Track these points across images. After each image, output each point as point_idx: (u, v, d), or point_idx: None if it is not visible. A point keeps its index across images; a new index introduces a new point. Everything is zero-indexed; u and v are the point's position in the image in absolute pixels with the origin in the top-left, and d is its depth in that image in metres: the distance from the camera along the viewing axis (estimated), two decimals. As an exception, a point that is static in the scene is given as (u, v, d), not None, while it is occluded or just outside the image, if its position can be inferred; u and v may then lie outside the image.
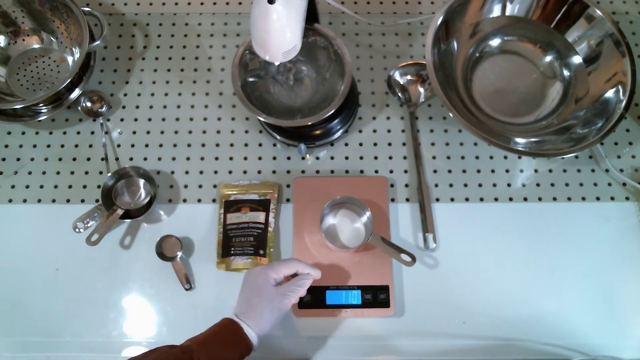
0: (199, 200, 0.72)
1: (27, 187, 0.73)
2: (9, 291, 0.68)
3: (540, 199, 0.72)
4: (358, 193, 0.69)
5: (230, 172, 0.74)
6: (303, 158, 0.74)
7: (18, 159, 0.75)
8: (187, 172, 0.74)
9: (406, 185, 0.73)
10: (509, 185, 0.73)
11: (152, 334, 0.66)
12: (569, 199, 0.72)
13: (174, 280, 0.67)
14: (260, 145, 0.75)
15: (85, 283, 0.69)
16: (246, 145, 0.75)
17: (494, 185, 0.73)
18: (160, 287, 0.68)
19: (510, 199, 0.72)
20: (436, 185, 0.73)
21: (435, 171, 0.73)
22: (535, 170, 0.73)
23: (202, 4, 0.83)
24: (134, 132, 0.76)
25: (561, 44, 0.75)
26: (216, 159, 0.75)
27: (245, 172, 0.74)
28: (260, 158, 0.75)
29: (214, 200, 0.72)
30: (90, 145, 0.75)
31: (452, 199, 0.72)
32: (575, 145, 0.66)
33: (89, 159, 0.75)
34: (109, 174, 0.70)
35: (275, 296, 0.58)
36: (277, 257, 0.69)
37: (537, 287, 0.68)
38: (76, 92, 0.74)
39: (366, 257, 0.67)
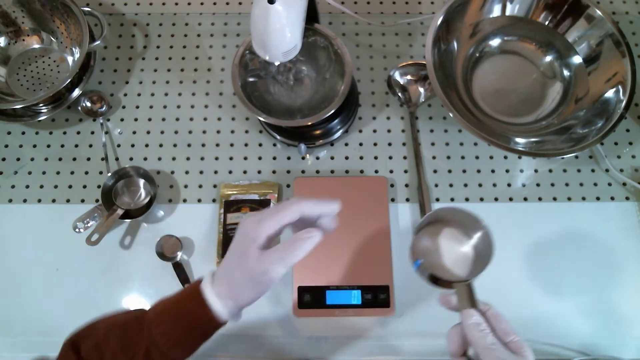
0: (199, 200, 0.72)
1: (27, 187, 0.73)
2: (9, 291, 0.68)
3: (540, 199, 0.72)
4: (358, 193, 0.69)
5: (230, 172, 0.74)
6: (303, 158, 0.74)
7: (18, 159, 0.75)
8: (187, 172, 0.74)
9: (406, 185, 0.73)
10: (509, 185, 0.73)
11: (152, 334, 0.66)
12: (569, 199, 0.72)
13: (174, 280, 0.67)
14: (260, 145, 0.75)
15: (85, 283, 0.69)
16: (246, 145, 0.75)
17: (494, 185, 0.73)
18: (160, 287, 0.68)
19: (510, 199, 0.72)
20: (436, 185, 0.73)
21: (435, 171, 0.73)
22: (535, 170, 0.73)
23: (202, 4, 0.83)
24: (134, 132, 0.76)
25: (561, 44, 0.75)
26: (216, 159, 0.75)
27: (245, 172, 0.74)
28: (260, 158, 0.75)
29: (214, 200, 0.72)
30: (90, 145, 0.75)
31: (452, 199, 0.72)
32: (575, 145, 0.66)
33: (89, 159, 0.75)
34: (109, 174, 0.70)
35: (258, 265, 0.44)
36: (277, 257, 0.69)
37: (537, 287, 0.67)
38: (76, 92, 0.73)
39: (366, 257, 0.67)
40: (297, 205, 0.45)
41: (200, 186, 0.73)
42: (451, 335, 0.47)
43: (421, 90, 0.77)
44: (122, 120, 0.77)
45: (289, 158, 0.74)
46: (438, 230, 0.51)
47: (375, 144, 0.75)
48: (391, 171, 0.73)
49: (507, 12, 0.75)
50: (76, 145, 0.75)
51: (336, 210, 0.47)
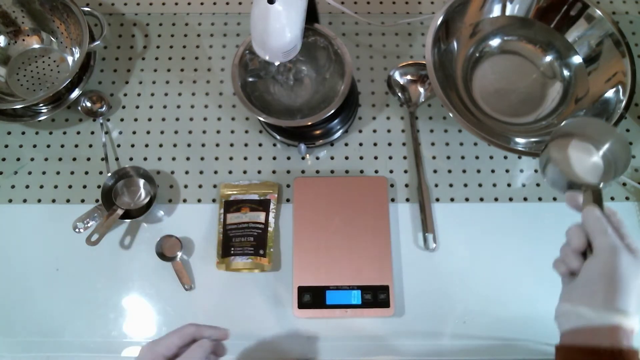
0: (199, 200, 0.72)
1: (27, 187, 0.73)
2: (9, 291, 0.68)
3: (540, 199, 0.72)
4: (358, 193, 0.69)
5: (230, 172, 0.74)
6: (303, 158, 0.74)
7: (18, 159, 0.75)
8: (187, 172, 0.74)
9: (406, 185, 0.73)
10: (509, 185, 0.73)
11: (152, 334, 0.66)
12: (569, 199, 0.72)
13: (174, 280, 0.67)
14: (260, 145, 0.75)
15: (85, 283, 0.69)
16: (246, 145, 0.75)
17: (494, 185, 0.73)
18: (160, 287, 0.68)
19: (510, 199, 0.72)
20: (436, 185, 0.73)
21: (435, 171, 0.73)
22: (535, 170, 0.73)
23: (202, 4, 0.83)
24: (134, 132, 0.76)
25: (561, 44, 0.75)
26: (216, 159, 0.75)
27: (245, 172, 0.74)
28: (260, 158, 0.75)
29: (214, 200, 0.72)
30: (90, 145, 0.75)
31: (452, 199, 0.72)
32: (575, 145, 0.66)
33: (89, 159, 0.75)
34: (109, 174, 0.70)
35: None
36: (277, 257, 0.69)
37: (538, 287, 0.67)
38: (76, 92, 0.73)
39: (366, 257, 0.67)
40: (189, 329, 0.52)
41: (200, 186, 0.73)
42: (572, 230, 0.48)
43: (421, 90, 0.77)
44: (122, 120, 0.77)
45: (289, 158, 0.74)
46: (567, 142, 0.53)
47: (375, 144, 0.75)
48: (391, 171, 0.73)
49: (507, 12, 0.75)
50: (76, 145, 0.75)
51: (226, 337, 0.54)
